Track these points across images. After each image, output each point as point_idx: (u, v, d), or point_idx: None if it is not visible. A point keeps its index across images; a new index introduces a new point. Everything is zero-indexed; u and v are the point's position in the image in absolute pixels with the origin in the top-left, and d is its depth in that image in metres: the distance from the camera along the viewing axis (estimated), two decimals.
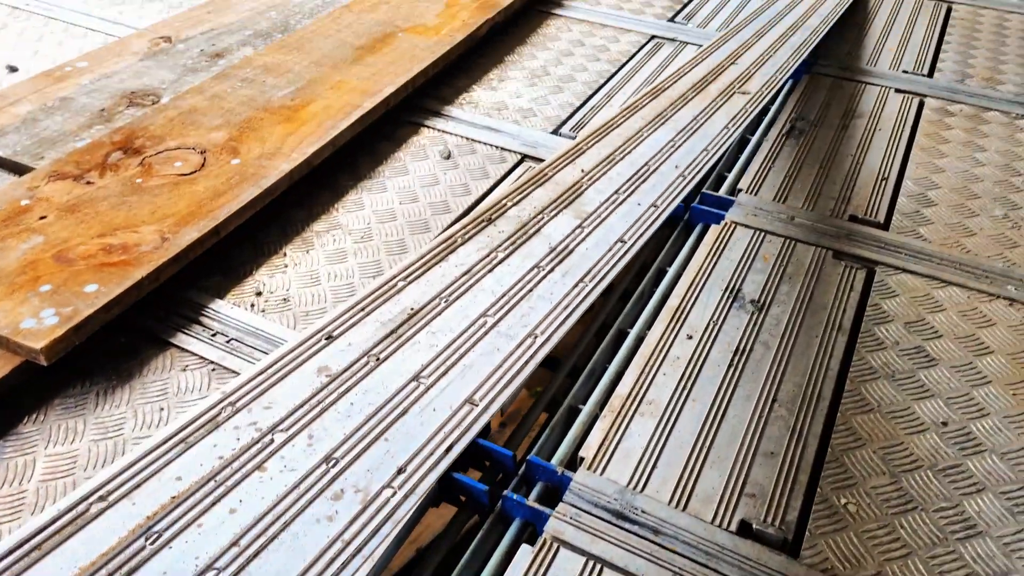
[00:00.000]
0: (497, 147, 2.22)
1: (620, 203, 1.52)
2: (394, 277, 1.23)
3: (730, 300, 1.73)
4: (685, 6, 3.16)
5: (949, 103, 2.54)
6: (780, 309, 1.72)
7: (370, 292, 1.19)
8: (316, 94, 2.19)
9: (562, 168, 1.61)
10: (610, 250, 1.38)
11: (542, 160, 2.16)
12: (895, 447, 1.40)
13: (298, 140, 1.98)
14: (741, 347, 1.61)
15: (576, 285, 1.27)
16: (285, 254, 1.78)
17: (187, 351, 1.50)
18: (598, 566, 1.18)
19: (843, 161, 2.22)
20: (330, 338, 1.11)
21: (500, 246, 1.34)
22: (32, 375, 1.41)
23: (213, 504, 0.84)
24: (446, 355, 1.11)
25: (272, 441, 0.93)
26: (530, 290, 1.25)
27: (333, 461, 0.90)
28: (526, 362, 1.11)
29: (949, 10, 3.19)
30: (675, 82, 2.12)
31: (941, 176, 2.18)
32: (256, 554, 0.79)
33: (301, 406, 0.98)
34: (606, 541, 1.21)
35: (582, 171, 1.62)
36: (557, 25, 2.97)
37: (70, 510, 0.81)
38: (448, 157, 2.17)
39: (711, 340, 1.62)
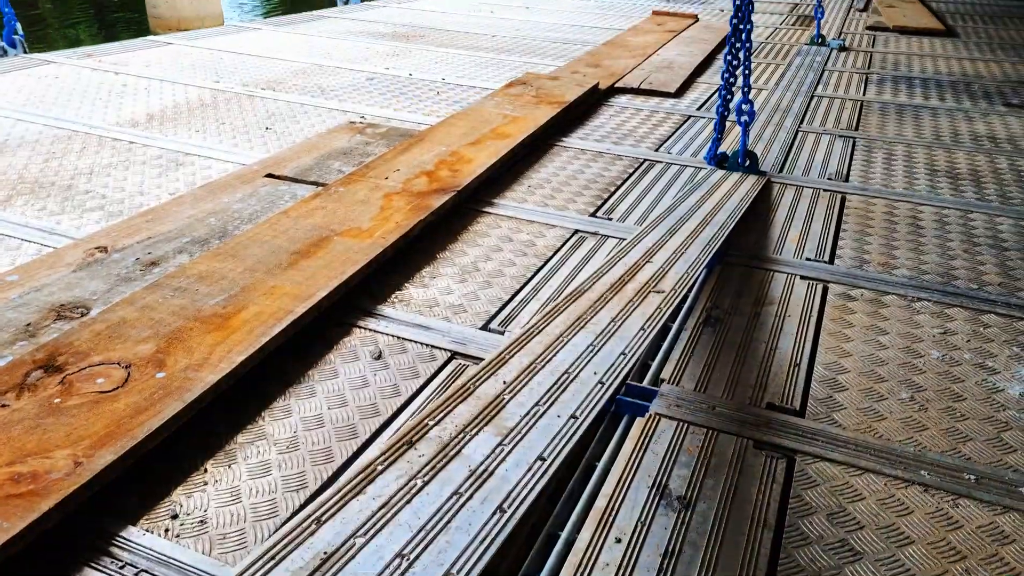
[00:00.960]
0: (428, 345, 2.32)
1: (540, 415, 1.60)
2: (308, 517, 1.25)
3: (657, 498, 1.78)
4: (605, 202, 3.48)
5: (851, 288, 2.80)
6: (706, 505, 1.77)
7: (281, 537, 1.20)
8: (249, 300, 2.28)
9: (484, 381, 1.70)
10: (530, 469, 1.43)
11: (471, 357, 2.27)
12: None
13: (227, 349, 2.04)
14: (670, 549, 1.64)
15: (495, 513, 1.31)
16: (206, 470, 1.78)
17: None
18: None
19: (758, 348, 2.39)
20: None
21: (419, 472, 1.38)
22: None
23: None
24: None
25: None
26: (448, 521, 1.28)
27: None
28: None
29: (843, 200, 3.61)
30: (594, 283, 2.30)
31: (849, 360, 2.36)
32: None
33: None
34: None
35: (504, 383, 1.71)
36: (487, 222, 3.23)
37: None
38: (379, 357, 2.26)
39: (640, 543, 1.65)
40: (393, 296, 2.62)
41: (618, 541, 1.64)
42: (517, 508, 1.32)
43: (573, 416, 1.63)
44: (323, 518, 1.25)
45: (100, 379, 1.88)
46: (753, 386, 2.20)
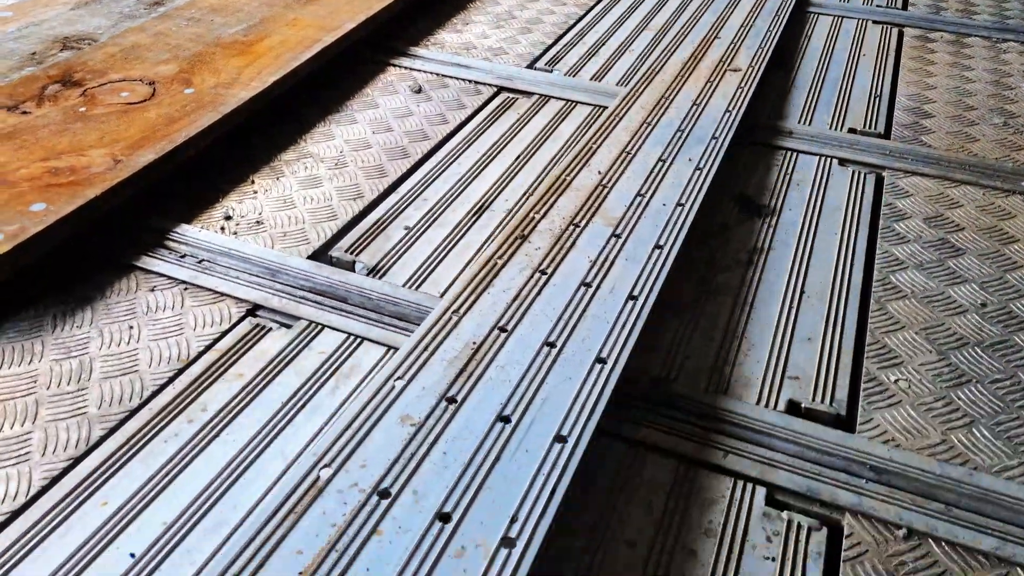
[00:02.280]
0: (470, 81, 2.18)
1: (646, 205, 1.53)
2: (446, 311, 1.21)
3: (737, 208, 1.72)
4: None
5: (928, 31, 2.61)
6: (793, 213, 1.71)
7: (428, 329, 1.17)
8: (271, 30, 2.11)
9: (577, 173, 1.60)
10: (650, 259, 1.37)
11: (519, 91, 2.13)
12: (937, 328, 1.39)
13: (256, 71, 1.90)
14: (758, 246, 1.59)
15: (627, 302, 1.27)
16: (253, 181, 1.69)
17: (154, 272, 1.39)
18: (640, 450, 1.12)
19: (833, 83, 2.25)
20: (401, 379, 1.08)
21: (540, 265, 1.34)
22: None
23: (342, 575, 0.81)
24: (521, 390, 1.08)
25: (379, 502, 0.89)
26: (584, 311, 1.24)
27: (446, 517, 0.88)
28: (601, 390, 1.10)
29: None
30: (664, 63, 2.13)
31: (933, 92, 2.23)
32: None
33: (396, 461, 0.95)
34: (645, 426, 1.15)
35: (599, 173, 1.61)
36: None
37: None
38: (419, 91, 2.12)
39: (727, 242, 1.60)
40: (425, 40, 2.43)
41: (703, 242, 1.59)
42: (648, 298, 1.27)
43: (679, 203, 1.54)
44: (461, 311, 1.20)
45: (124, 92, 1.75)
46: (831, 114, 2.08)
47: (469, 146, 1.88)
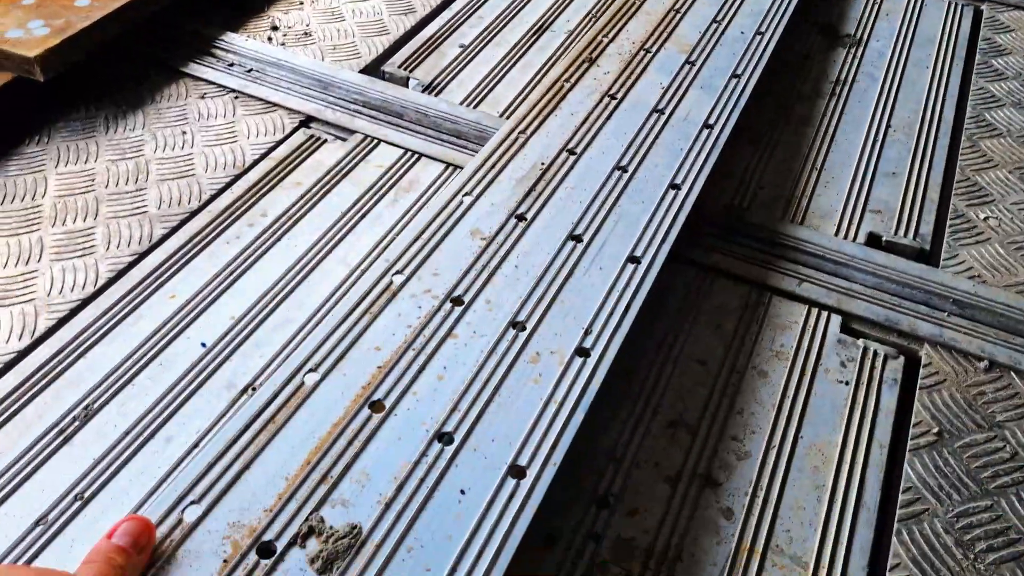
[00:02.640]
0: None
1: (722, 33, 1.39)
2: (512, 131, 1.15)
3: (820, 37, 1.58)
4: None
5: None
6: (880, 44, 1.57)
7: (494, 147, 1.12)
8: None
9: None
10: (726, 88, 1.25)
11: None
12: None
13: None
14: (841, 78, 1.47)
15: (700, 131, 1.18)
16: None
17: (203, 80, 1.33)
18: (710, 275, 1.08)
19: None
20: (469, 196, 1.04)
21: (610, 90, 1.23)
22: (28, 96, 1.25)
23: (419, 372, 0.81)
24: (592, 211, 1.04)
25: (452, 308, 0.89)
26: (655, 139, 1.17)
27: (519, 326, 0.88)
28: (675, 215, 1.05)
29: None
30: None
31: None
32: (478, 418, 0.78)
33: (467, 272, 0.93)
34: (718, 252, 1.11)
35: None
36: None
37: (288, 383, 0.79)
38: None
39: (808, 72, 1.48)
40: None
41: (777, 71, 1.47)
42: (724, 128, 1.18)
43: (759, 32, 1.39)
44: (528, 132, 1.13)
45: None
46: None
47: None
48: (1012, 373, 0.98)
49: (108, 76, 1.33)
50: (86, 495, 0.80)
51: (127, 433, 0.85)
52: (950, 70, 1.50)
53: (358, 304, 0.88)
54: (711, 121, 1.22)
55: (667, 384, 0.94)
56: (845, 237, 1.15)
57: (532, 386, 0.82)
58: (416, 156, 1.22)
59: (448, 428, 0.77)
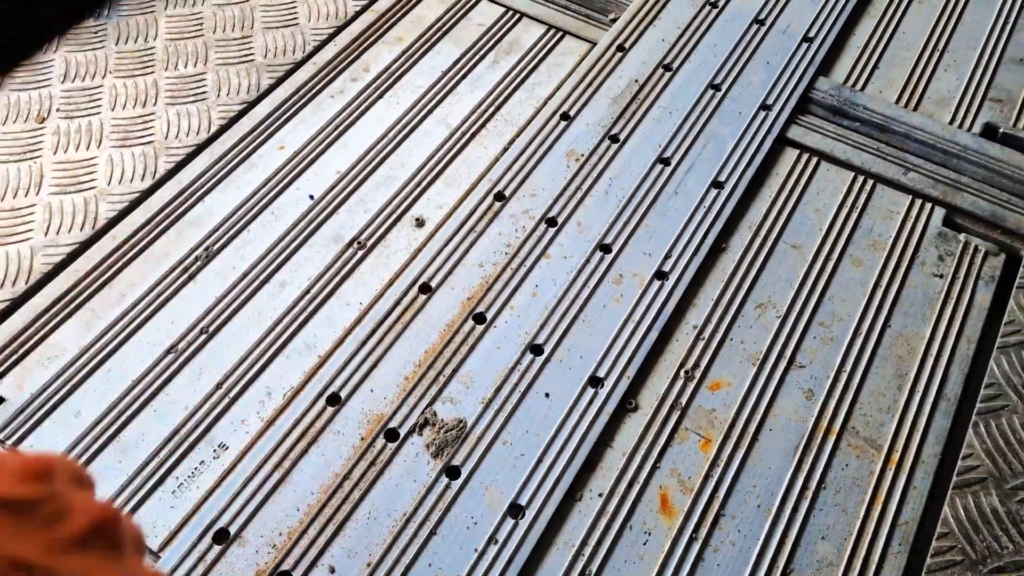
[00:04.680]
0: None
1: None
2: (610, 45, 1.08)
3: None
4: None
5: None
6: None
7: (592, 64, 1.06)
8: None
9: None
10: None
11: None
12: None
13: None
14: None
15: (801, 43, 1.10)
16: None
17: None
18: (814, 158, 1.01)
19: None
20: (566, 118, 1.01)
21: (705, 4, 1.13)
22: None
23: (516, 289, 0.87)
24: (683, 132, 1.00)
25: (547, 229, 0.92)
26: (751, 55, 1.08)
27: (606, 248, 0.90)
28: (763, 138, 1.01)
29: None
30: None
31: None
32: (565, 333, 0.84)
33: (562, 193, 0.95)
34: (821, 134, 1.03)
35: None
36: None
37: (400, 300, 0.86)
38: None
39: None
40: None
41: None
42: (824, 39, 1.10)
43: None
44: (627, 47, 1.06)
45: None
46: None
47: None
48: None
49: None
50: (210, 329, 0.84)
51: (244, 276, 0.88)
52: None
53: (463, 223, 0.93)
54: (811, 34, 1.12)
55: (760, 267, 0.91)
56: (960, 126, 1.06)
57: (614, 306, 0.87)
58: (517, 16, 1.15)
59: (539, 341, 0.84)
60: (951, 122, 1.07)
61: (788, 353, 0.85)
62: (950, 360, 0.86)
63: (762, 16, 1.15)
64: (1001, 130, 1.06)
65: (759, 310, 0.89)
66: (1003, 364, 0.86)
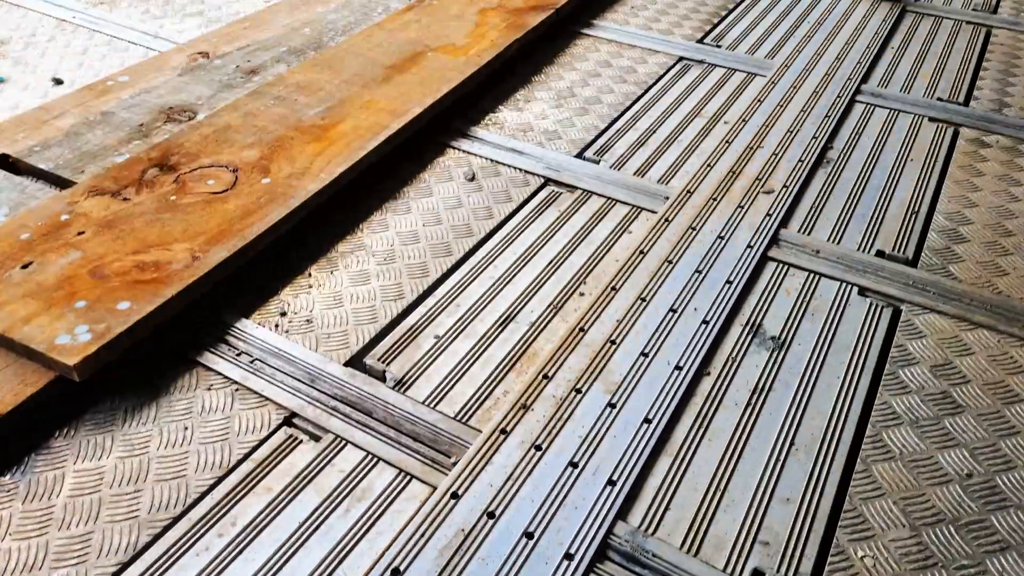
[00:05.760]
0: (521, 170, 2.22)
1: (647, 368, 1.58)
2: (444, 493, 1.31)
3: (751, 336, 1.71)
4: (715, 27, 3.13)
5: (985, 134, 2.48)
6: (801, 347, 1.69)
7: (427, 514, 1.27)
8: (346, 113, 2.21)
9: (593, 322, 1.67)
10: (638, 433, 1.45)
11: (564, 185, 2.16)
12: (916, 498, 1.37)
13: (326, 160, 2.00)
14: (760, 386, 1.59)
15: (606, 486, 1.35)
16: (310, 274, 1.80)
17: (212, 370, 1.52)
18: None
19: (872, 193, 2.18)
20: (397, 573, 1.14)
21: (536, 440, 1.56)
22: (65, 390, 1.44)
23: None
24: None
25: None
26: (562, 500, 1.32)
27: None
28: None
29: (988, 34, 3.12)
30: (700, 181, 2.13)
31: (974, 211, 2.13)
32: None
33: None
34: None
35: (616, 322, 1.68)
36: (585, 45, 2.97)
37: None
38: (472, 179, 2.18)
39: (731, 378, 1.60)
40: (487, 118, 2.48)
41: (707, 375, 1.60)
42: (624, 483, 1.34)
43: (678, 367, 1.58)
44: (460, 491, 1.31)
45: (211, 180, 1.89)
46: (863, 232, 2.03)
47: (508, 246, 1.93)
48: None
49: (134, 366, 1.53)
50: None
51: None
52: (858, 383, 1.60)
53: None
54: (615, 477, 1.35)
55: None
56: (732, 572, 1.23)
57: None
58: (375, 460, 1.37)
59: None
60: (724, 568, 1.25)
61: None
62: None
63: (576, 459, 1.38)
64: None
65: None
66: None
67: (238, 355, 1.56)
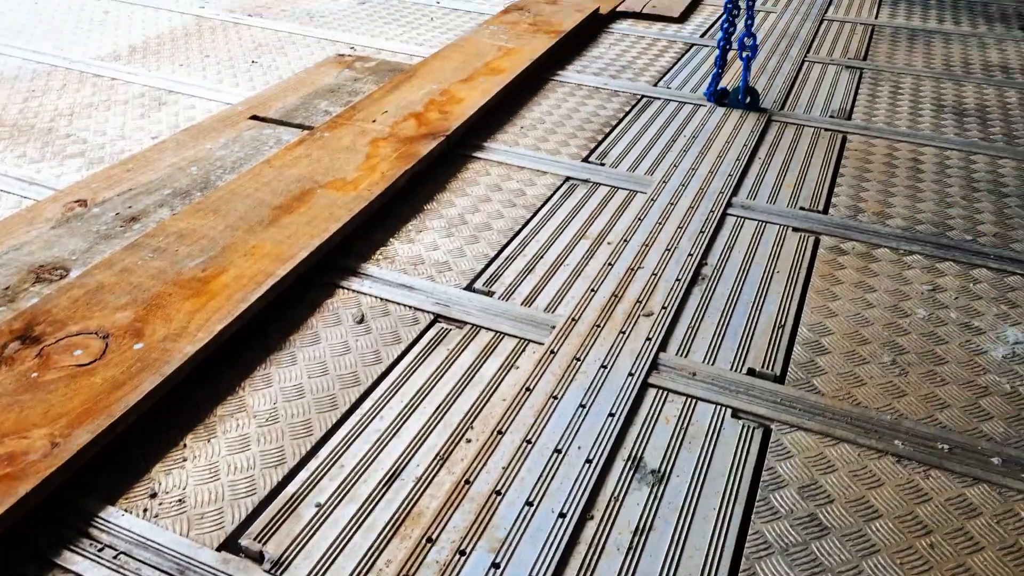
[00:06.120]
0: (410, 307, 2.27)
1: (531, 518, 1.62)
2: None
3: (632, 472, 1.77)
4: (599, 145, 3.33)
5: (843, 240, 2.70)
6: (680, 479, 1.76)
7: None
8: (229, 262, 2.22)
9: (476, 477, 1.70)
10: None
11: (455, 320, 2.21)
12: None
13: (206, 317, 1.99)
14: (641, 527, 1.64)
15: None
16: (185, 445, 1.76)
17: (71, 572, 1.45)
18: None
19: (743, 309, 2.33)
20: None
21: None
22: None
23: None
24: None
25: None
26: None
27: None
28: None
29: (844, 140, 3.44)
30: (585, 306, 2.26)
31: (833, 321, 2.30)
32: None
33: None
34: None
35: (501, 469, 1.73)
36: (476, 168, 3.10)
37: None
38: (361, 321, 2.20)
39: (613, 521, 1.65)
40: (377, 253, 2.54)
41: (591, 518, 1.64)
42: None
43: (561, 515, 1.63)
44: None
45: (78, 351, 1.84)
46: (735, 350, 2.15)
47: (395, 393, 1.95)
48: None
49: None
50: None
51: None
52: (732, 512, 1.67)
53: None
54: None
55: None
56: None
57: None
58: None
59: None
60: None
61: None
62: None
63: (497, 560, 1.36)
64: None
65: None
66: None
67: (100, 550, 1.50)
